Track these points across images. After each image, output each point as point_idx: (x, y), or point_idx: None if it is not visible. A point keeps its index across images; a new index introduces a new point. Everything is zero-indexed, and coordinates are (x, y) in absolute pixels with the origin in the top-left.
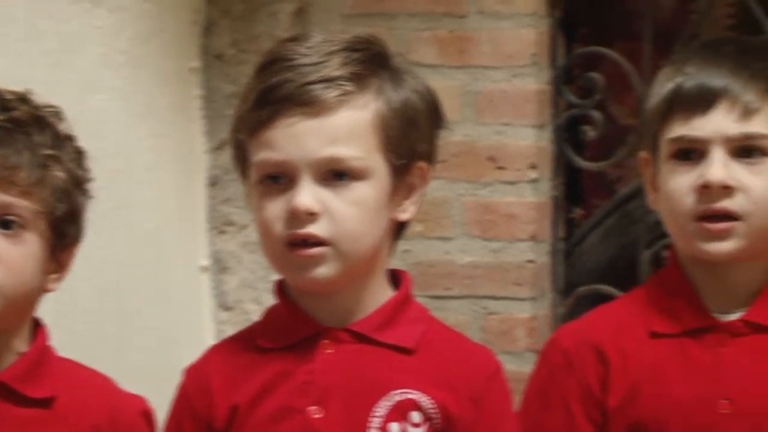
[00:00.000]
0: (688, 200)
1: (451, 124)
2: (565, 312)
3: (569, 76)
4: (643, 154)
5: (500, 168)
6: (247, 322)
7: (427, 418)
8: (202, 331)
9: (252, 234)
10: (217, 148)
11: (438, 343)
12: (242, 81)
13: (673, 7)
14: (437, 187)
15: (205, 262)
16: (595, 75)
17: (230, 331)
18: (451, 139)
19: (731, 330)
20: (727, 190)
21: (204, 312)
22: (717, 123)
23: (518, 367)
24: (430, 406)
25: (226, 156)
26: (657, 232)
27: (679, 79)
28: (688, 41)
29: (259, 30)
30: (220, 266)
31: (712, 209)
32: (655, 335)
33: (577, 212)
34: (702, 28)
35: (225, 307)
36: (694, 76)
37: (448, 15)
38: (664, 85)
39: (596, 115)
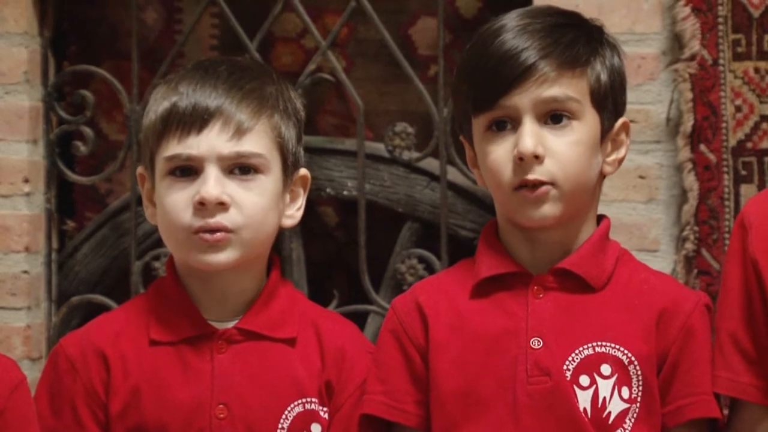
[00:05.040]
0: (186, 216)
1: None
2: (59, 321)
3: (61, 94)
4: (140, 170)
5: None
6: None
7: None
8: None
9: None
10: None
11: None
12: None
13: (159, 27)
14: None
15: None
16: (86, 92)
17: None
18: None
19: (227, 337)
20: (222, 206)
21: None
22: (211, 142)
23: None
24: None
25: None
26: (147, 244)
27: (174, 98)
28: (174, 59)
29: None
30: None
31: (208, 225)
32: (154, 343)
33: (70, 224)
34: (187, 47)
35: None
36: (188, 96)
37: None
38: (160, 104)
39: (87, 131)
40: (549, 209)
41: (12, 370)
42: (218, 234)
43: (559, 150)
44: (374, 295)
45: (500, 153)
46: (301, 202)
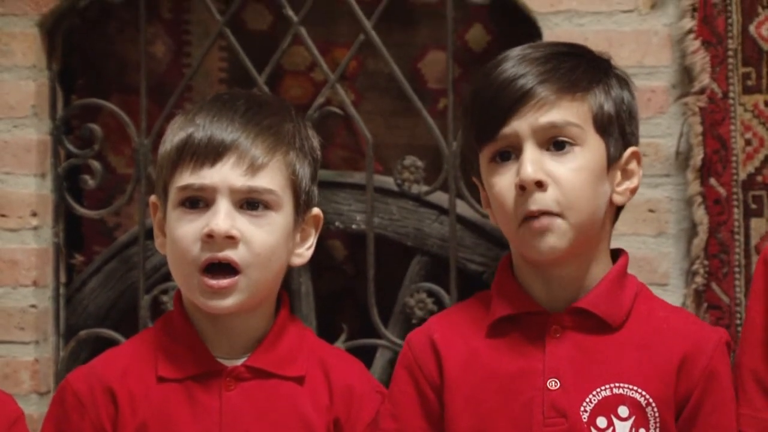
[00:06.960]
0: (194, 248)
1: None
2: (67, 355)
3: (69, 127)
4: (153, 199)
5: (2, 216)
6: None
7: None
8: None
9: None
10: None
11: None
12: None
13: (167, 61)
14: None
15: None
16: (94, 126)
17: None
18: None
19: (235, 375)
20: (231, 240)
21: None
22: (224, 174)
23: (24, 408)
24: None
25: None
26: (156, 278)
27: (190, 129)
28: (183, 93)
29: None
30: None
31: (216, 258)
32: (161, 380)
33: (78, 258)
34: (195, 80)
35: None
36: (204, 128)
37: None
38: (176, 134)
39: (95, 164)
40: (555, 240)
41: (10, 405)
42: (224, 281)
43: (562, 176)
44: (383, 329)
45: (504, 184)
46: (311, 241)
